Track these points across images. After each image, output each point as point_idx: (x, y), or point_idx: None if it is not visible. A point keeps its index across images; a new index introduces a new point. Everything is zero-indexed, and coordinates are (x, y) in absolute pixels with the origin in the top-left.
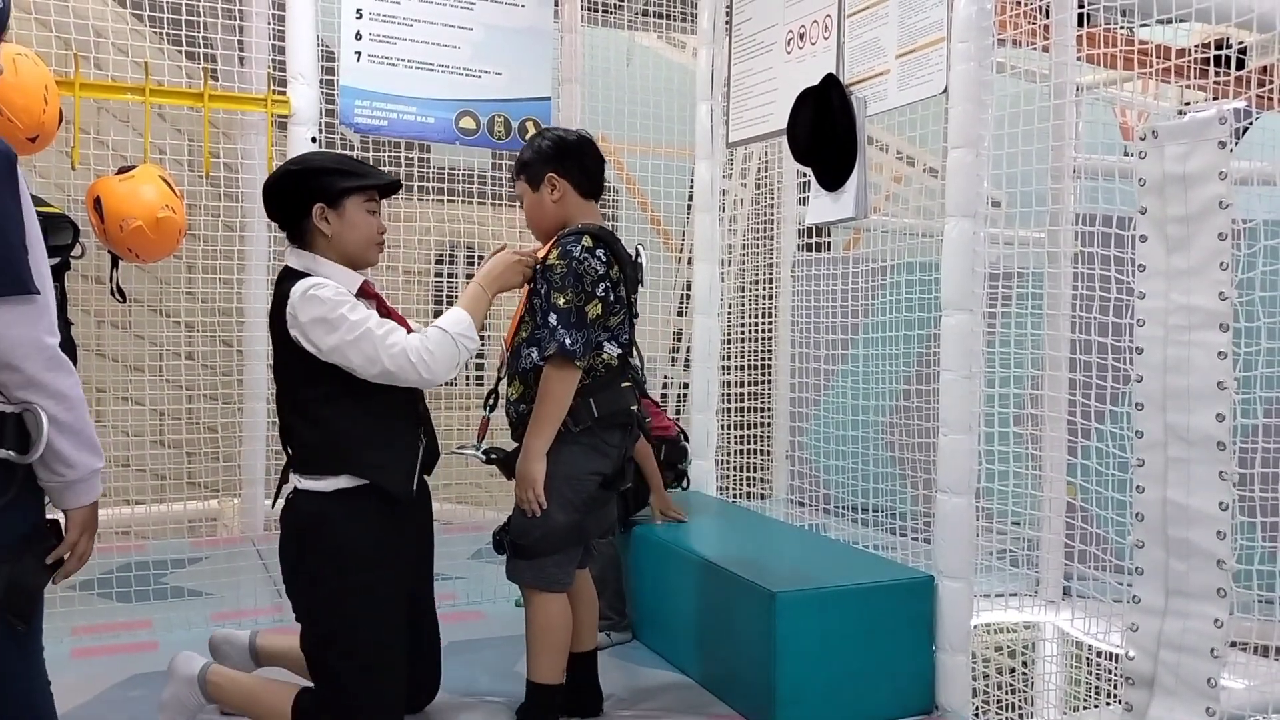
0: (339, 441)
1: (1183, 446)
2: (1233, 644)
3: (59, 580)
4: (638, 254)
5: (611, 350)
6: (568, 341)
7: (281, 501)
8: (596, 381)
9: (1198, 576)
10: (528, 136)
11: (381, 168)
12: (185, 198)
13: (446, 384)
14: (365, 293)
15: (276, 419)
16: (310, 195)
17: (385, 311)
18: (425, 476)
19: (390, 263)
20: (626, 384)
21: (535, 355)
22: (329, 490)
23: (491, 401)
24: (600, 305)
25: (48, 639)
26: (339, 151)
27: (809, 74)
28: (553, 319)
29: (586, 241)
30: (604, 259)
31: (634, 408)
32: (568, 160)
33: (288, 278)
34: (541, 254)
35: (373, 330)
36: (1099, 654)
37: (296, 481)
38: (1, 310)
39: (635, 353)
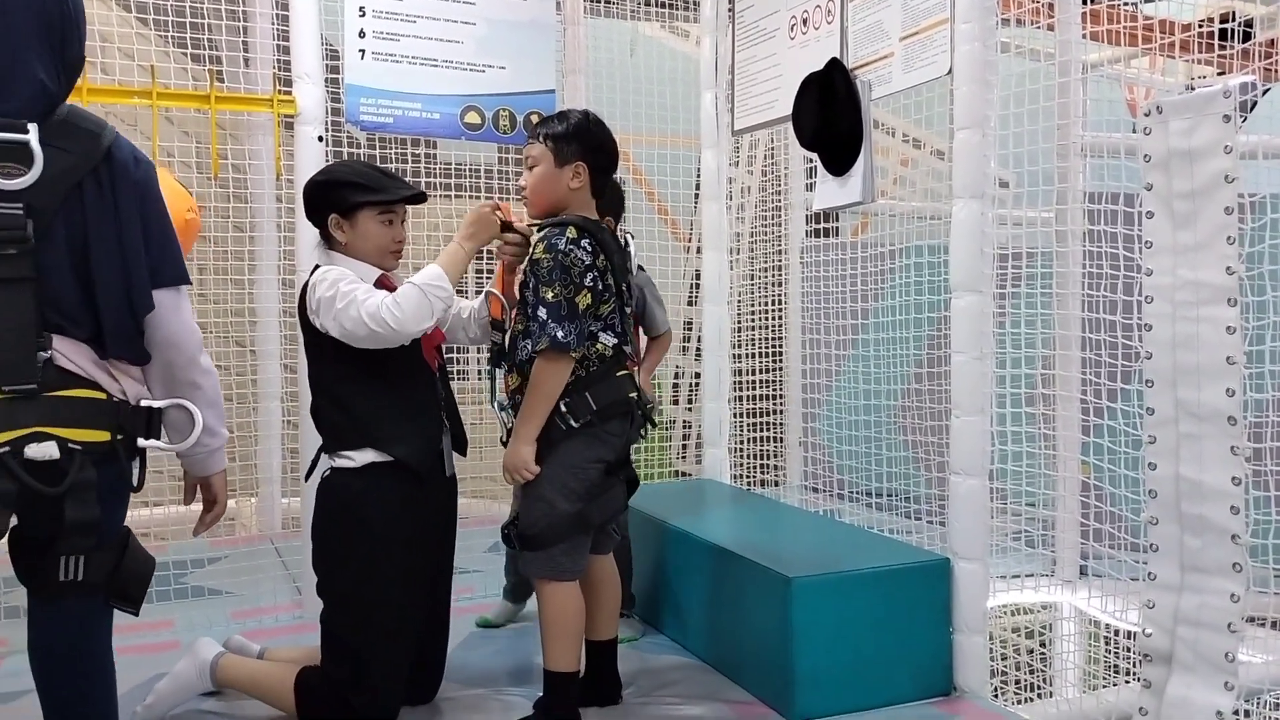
0: (360, 417)
1: (1194, 422)
2: (1250, 619)
3: (200, 533)
4: (626, 242)
5: (607, 340)
6: (560, 334)
7: (316, 480)
8: (592, 374)
9: (1213, 552)
10: (562, 110)
11: (388, 165)
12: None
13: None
14: (384, 285)
15: (292, 418)
16: (327, 206)
17: None
18: (453, 464)
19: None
20: (623, 372)
21: (530, 347)
22: (358, 466)
23: (498, 358)
24: (589, 295)
25: None
26: (368, 163)
27: (813, 59)
28: (542, 313)
29: (571, 233)
30: (589, 249)
31: (633, 395)
32: (600, 156)
33: (312, 273)
34: (519, 225)
35: (357, 297)
36: (1116, 632)
37: (329, 461)
38: (173, 297)
39: (633, 343)
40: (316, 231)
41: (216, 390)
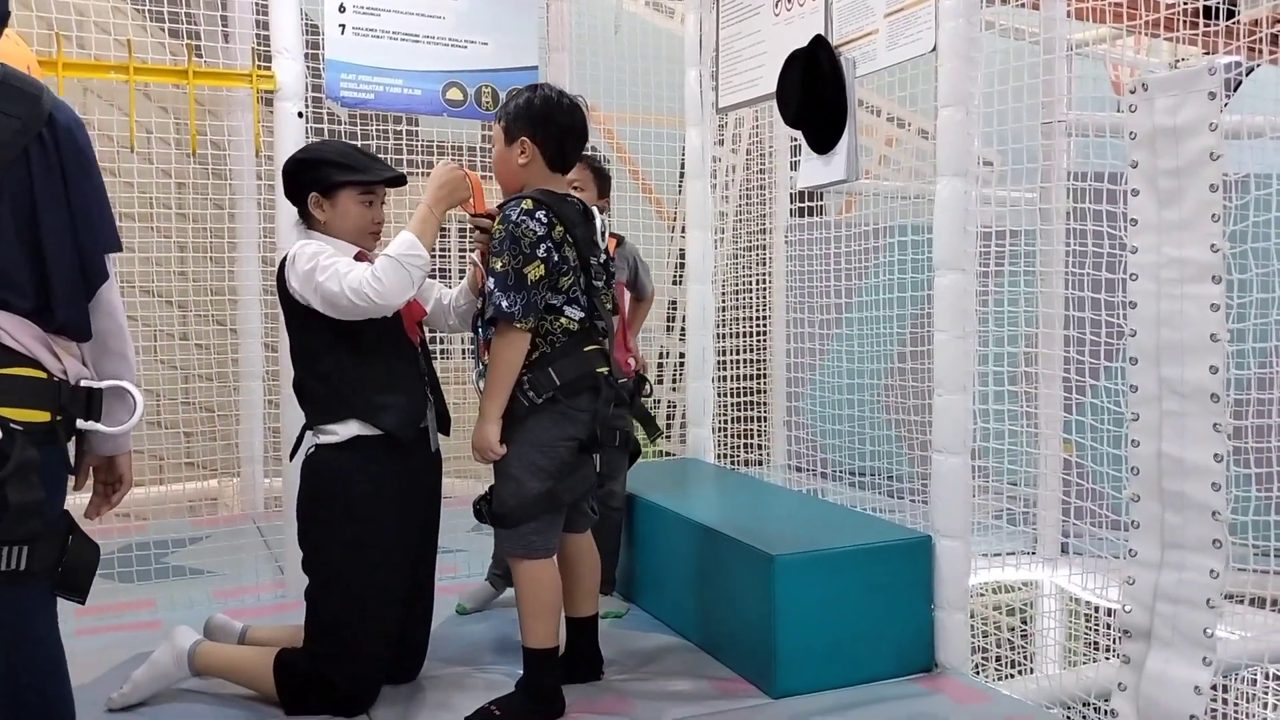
0: (342, 388)
1: (1177, 400)
2: (1228, 597)
3: (104, 513)
4: (592, 214)
5: (572, 314)
6: (504, 304)
7: (300, 458)
8: (556, 349)
9: (1193, 529)
10: (524, 86)
11: (369, 142)
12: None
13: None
14: (363, 262)
15: (273, 397)
16: (307, 184)
17: None
18: (437, 439)
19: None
20: (592, 347)
21: (483, 319)
22: (342, 440)
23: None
24: (542, 266)
25: None
26: (350, 143)
27: (797, 36)
28: (490, 283)
29: (525, 204)
30: (544, 220)
31: (601, 370)
32: (548, 127)
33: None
34: (486, 209)
35: (339, 269)
36: (1097, 609)
37: (313, 438)
38: (111, 265)
39: (606, 318)
40: (295, 210)
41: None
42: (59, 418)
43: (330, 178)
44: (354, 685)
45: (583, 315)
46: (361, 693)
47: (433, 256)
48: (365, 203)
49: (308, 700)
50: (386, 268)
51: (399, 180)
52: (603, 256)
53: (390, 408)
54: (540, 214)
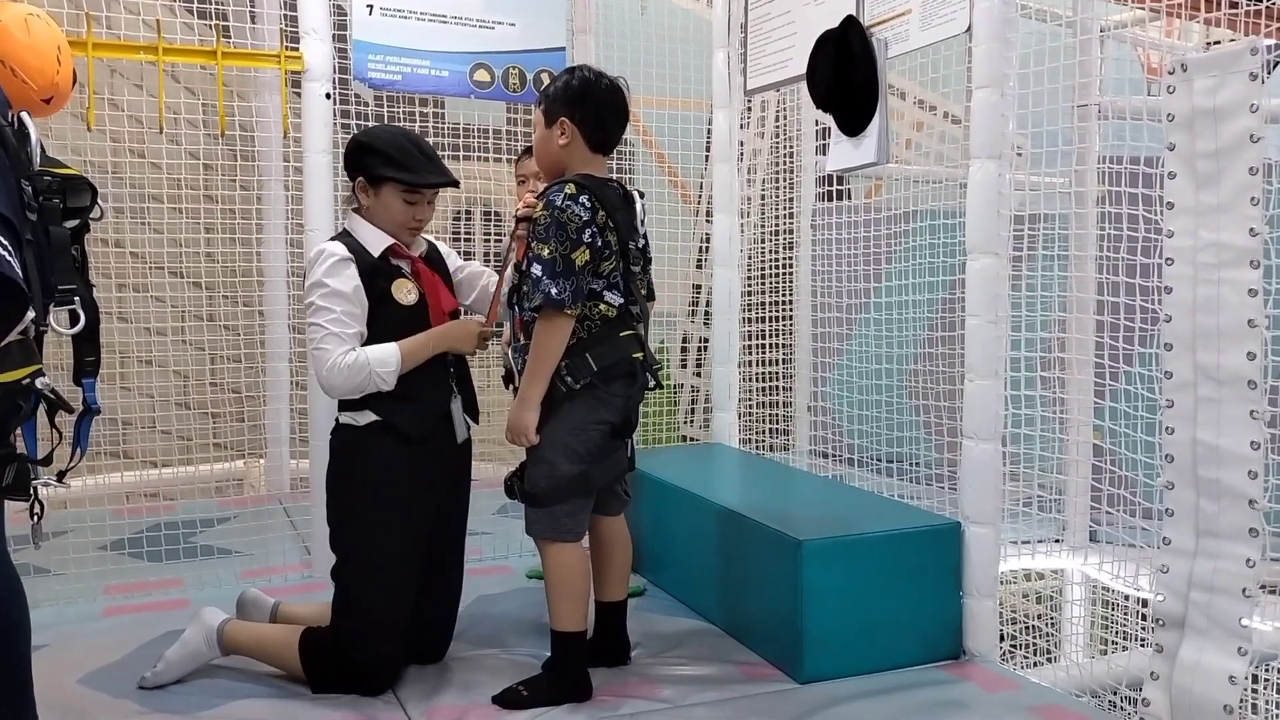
0: None
1: (1213, 386)
2: (1263, 587)
3: None
4: (633, 198)
5: (612, 299)
6: (554, 291)
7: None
8: (593, 335)
9: (1229, 517)
10: (564, 68)
11: (397, 124)
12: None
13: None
14: (397, 254)
15: (299, 378)
16: (357, 168)
17: (419, 273)
18: (465, 430)
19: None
20: (628, 333)
21: (527, 305)
22: (361, 424)
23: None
24: (588, 251)
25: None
26: (415, 136)
27: (828, 17)
28: (537, 269)
29: (569, 189)
30: (588, 205)
31: (638, 355)
32: (586, 108)
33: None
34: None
35: (321, 328)
36: (1126, 598)
37: (339, 416)
38: None
39: (641, 303)
40: (329, 190)
41: None
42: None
43: (376, 169)
44: (371, 662)
45: (621, 301)
46: (379, 671)
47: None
48: (409, 200)
49: (333, 678)
50: (354, 367)
51: (450, 184)
52: (640, 241)
53: (406, 405)
54: (584, 198)
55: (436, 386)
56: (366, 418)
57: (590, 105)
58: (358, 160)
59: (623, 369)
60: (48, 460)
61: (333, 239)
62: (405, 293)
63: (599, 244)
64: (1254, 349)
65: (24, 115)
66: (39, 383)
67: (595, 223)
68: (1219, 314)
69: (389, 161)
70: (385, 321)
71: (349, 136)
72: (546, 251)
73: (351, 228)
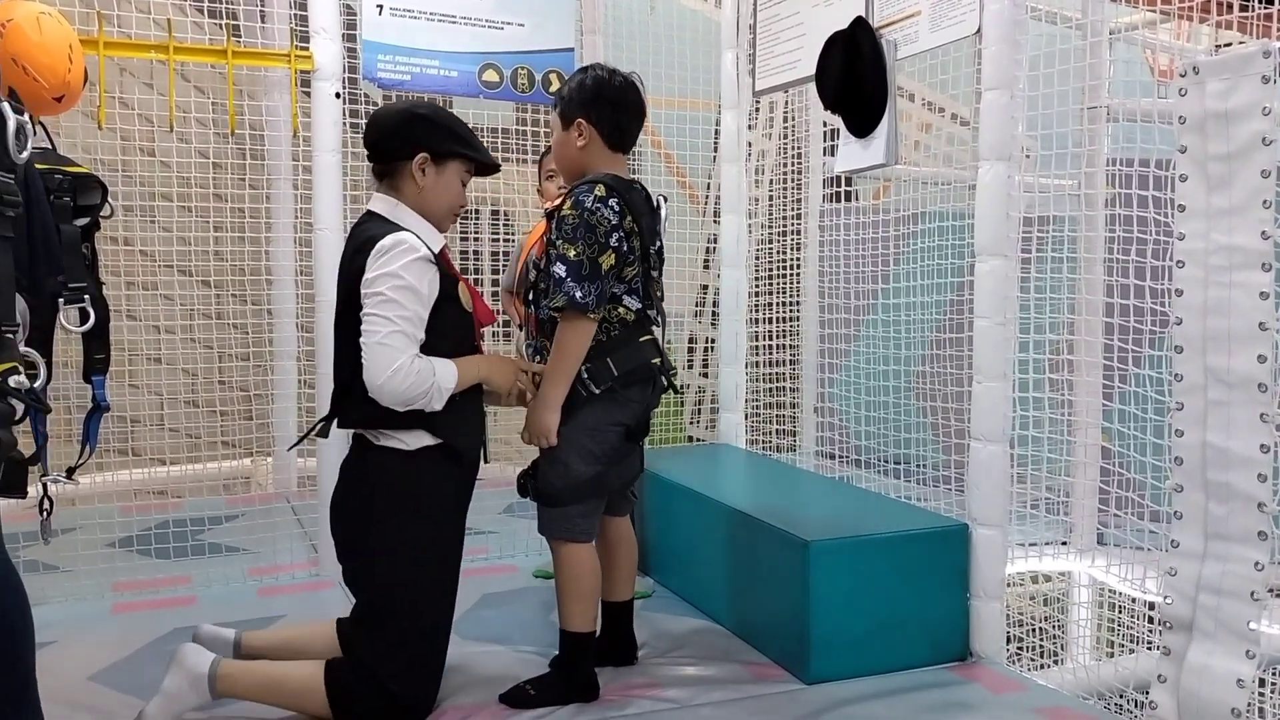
0: None
1: (1223, 389)
2: (1270, 591)
3: None
4: (658, 204)
5: (631, 304)
6: (578, 295)
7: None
8: (613, 339)
9: (1238, 520)
10: (579, 69)
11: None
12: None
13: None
14: (443, 255)
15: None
16: (420, 140)
17: (460, 278)
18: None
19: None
20: (646, 338)
21: (548, 305)
22: (412, 449)
23: (531, 297)
24: (614, 255)
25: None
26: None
27: (837, 18)
28: (561, 270)
29: (599, 191)
30: (617, 209)
31: (655, 361)
32: (602, 108)
33: (369, 221)
34: (554, 204)
35: (391, 321)
36: (1133, 600)
37: (372, 437)
38: None
39: (658, 306)
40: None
41: None
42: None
43: (447, 143)
44: (419, 699)
45: (639, 306)
46: (422, 703)
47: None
48: (464, 182)
49: (365, 715)
50: (421, 375)
51: (496, 167)
52: (658, 244)
53: (461, 424)
54: (613, 202)
55: (477, 403)
56: (419, 440)
57: (606, 104)
58: (421, 133)
59: (641, 375)
60: (35, 459)
61: (398, 231)
62: (466, 298)
63: (624, 249)
64: (1265, 352)
65: (3, 106)
66: (12, 381)
67: (623, 227)
68: (1230, 317)
69: (457, 137)
70: (443, 327)
71: (374, 124)
72: (573, 253)
73: (400, 219)
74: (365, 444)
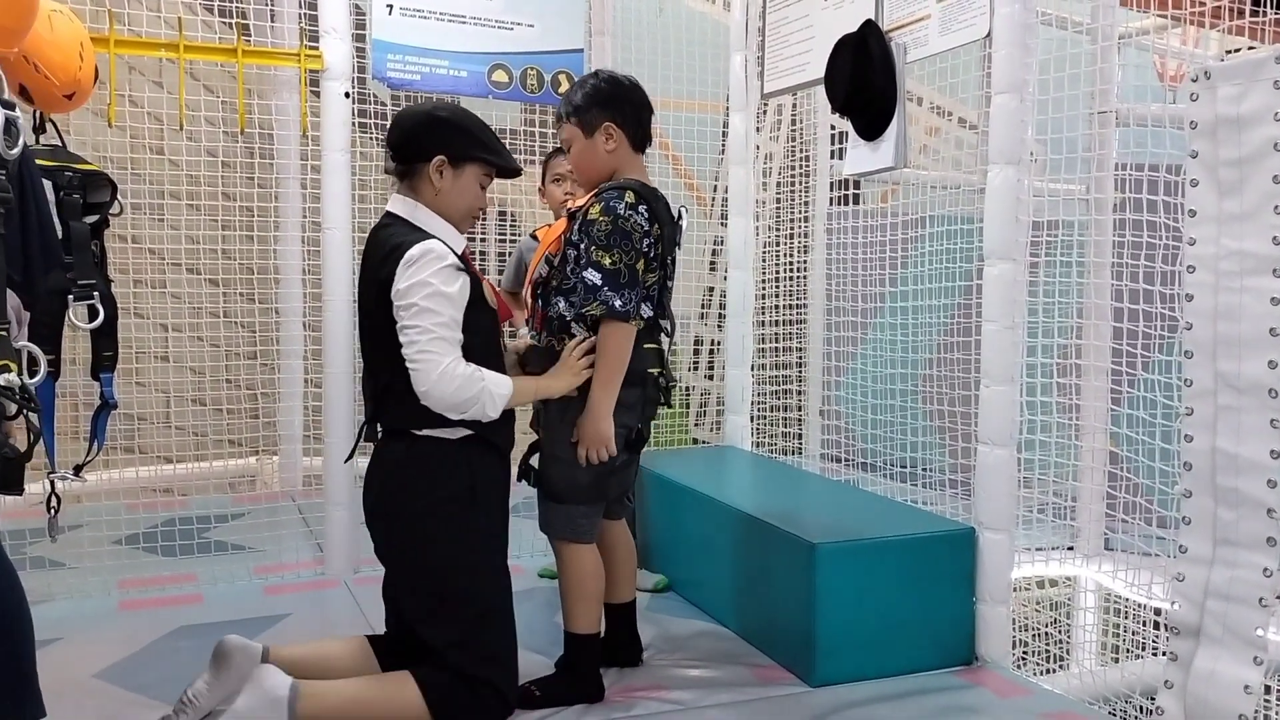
0: None
1: (1233, 394)
2: (1278, 597)
3: None
4: (679, 215)
5: (644, 311)
6: (617, 304)
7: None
8: None
9: (1247, 525)
10: (577, 79)
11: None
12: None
13: None
14: (465, 257)
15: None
16: (439, 143)
17: (475, 275)
18: None
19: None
20: (651, 345)
21: (562, 305)
22: (454, 438)
23: (540, 291)
24: (643, 261)
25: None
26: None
27: (847, 21)
28: (596, 278)
29: (630, 198)
30: (647, 215)
31: (653, 370)
32: (625, 107)
33: (391, 224)
34: (577, 203)
35: (430, 330)
36: (1141, 606)
37: (406, 428)
38: None
39: (669, 315)
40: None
41: None
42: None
43: (466, 147)
44: (506, 681)
45: (651, 314)
46: (512, 690)
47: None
48: (484, 185)
49: (469, 713)
50: (470, 379)
51: (518, 171)
52: (674, 254)
53: (501, 422)
54: (643, 209)
55: None
56: (458, 431)
57: (627, 104)
58: (440, 136)
59: (635, 379)
60: (27, 456)
61: (424, 239)
62: (490, 297)
63: (651, 255)
64: (1275, 357)
65: None
66: (1, 380)
67: (651, 234)
68: (1240, 322)
69: (476, 141)
70: (475, 326)
71: (396, 125)
72: (608, 260)
73: (422, 222)
74: (406, 437)
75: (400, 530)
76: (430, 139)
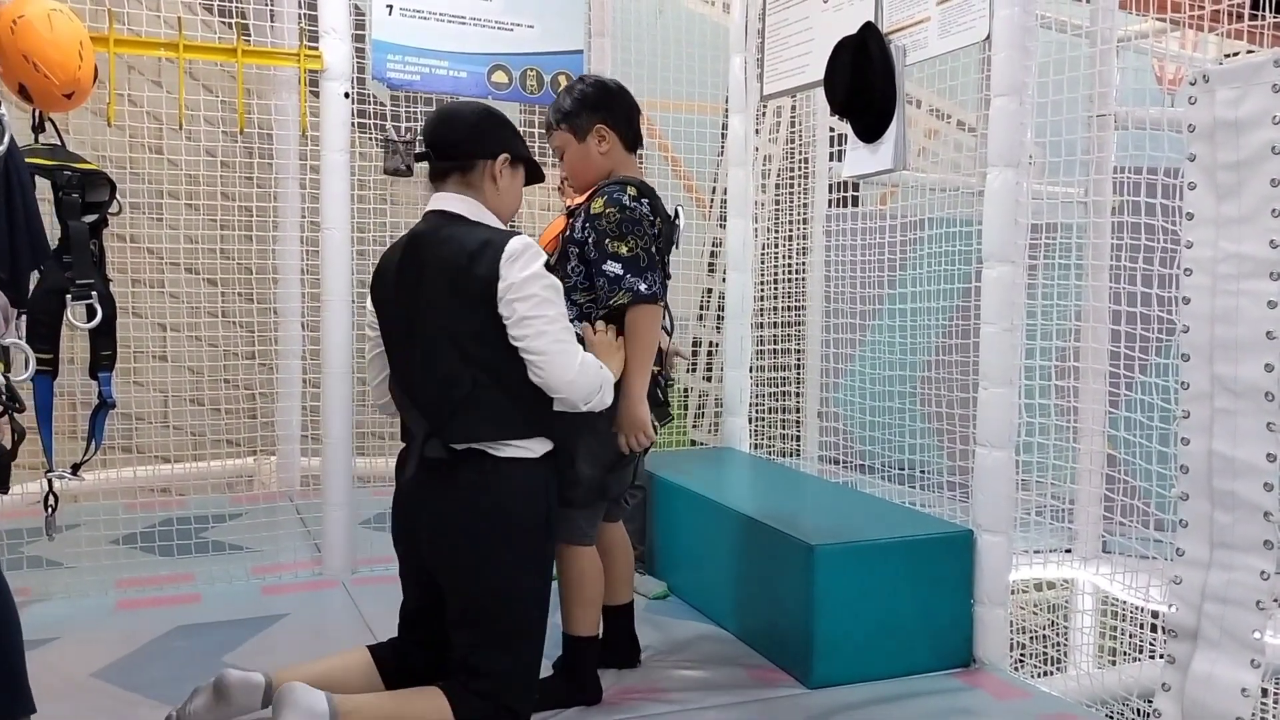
0: (534, 406)
1: (1230, 398)
2: (1276, 600)
3: None
4: (676, 214)
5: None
6: (643, 287)
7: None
8: None
9: (1244, 529)
10: (563, 86)
11: (414, 125)
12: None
13: None
14: None
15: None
16: (503, 143)
17: None
18: None
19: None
20: None
21: (604, 300)
22: (538, 454)
23: None
24: (653, 244)
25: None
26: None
27: (846, 23)
28: (617, 268)
29: (631, 191)
30: (648, 208)
31: (654, 367)
32: (615, 109)
33: (451, 223)
34: (576, 202)
35: (558, 320)
36: (1139, 609)
37: (492, 450)
38: None
39: (668, 314)
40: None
41: None
42: None
43: (520, 148)
44: (530, 711)
45: None
46: (530, 712)
47: None
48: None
49: None
50: (594, 370)
51: (542, 176)
52: (673, 253)
53: (569, 427)
54: (645, 202)
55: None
56: (543, 445)
57: (616, 105)
58: (504, 134)
59: None
60: (12, 455)
61: (511, 234)
62: None
63: (653, 248)
64: (1272, 361)
65: None
66: None
67: (655, 226)
68: (1237, 325)
69: (523, 143)
70: None
71: (451, 121)
72: (626, 249)
73: (484, 220)
74: (485, 458)
75: (471, 558)
76: (496, 136)
